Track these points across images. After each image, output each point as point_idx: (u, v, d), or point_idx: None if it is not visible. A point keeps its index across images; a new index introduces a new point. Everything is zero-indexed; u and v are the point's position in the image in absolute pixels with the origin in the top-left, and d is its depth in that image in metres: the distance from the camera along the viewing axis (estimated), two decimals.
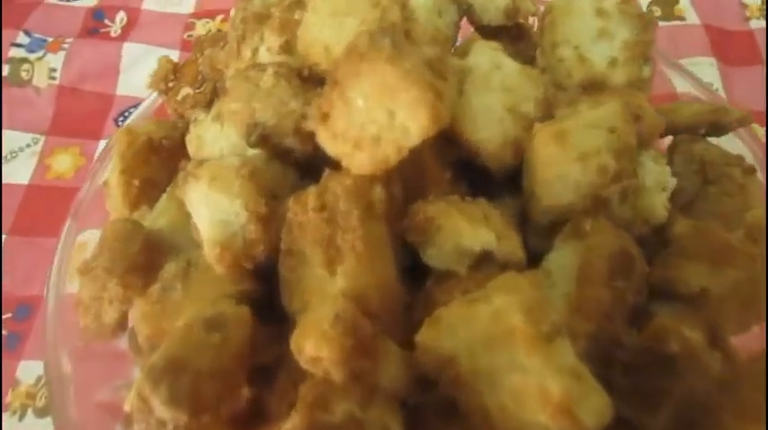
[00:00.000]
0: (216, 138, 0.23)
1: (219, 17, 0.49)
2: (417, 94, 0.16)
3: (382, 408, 0.19)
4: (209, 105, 0.26)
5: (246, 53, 0.22)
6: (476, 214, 0.18)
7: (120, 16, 0.49)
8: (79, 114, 0.46)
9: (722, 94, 0.44)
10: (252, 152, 0.22)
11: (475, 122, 0.19)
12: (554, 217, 0.20)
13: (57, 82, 0.46)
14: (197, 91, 0.26)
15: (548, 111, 0.19)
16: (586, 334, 0.18)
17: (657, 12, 0.52)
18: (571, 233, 0.19)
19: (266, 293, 0.21)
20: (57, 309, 0.30)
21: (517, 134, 0.19)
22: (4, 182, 0.44)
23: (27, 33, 0.48)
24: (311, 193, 0.19)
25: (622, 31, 0.24)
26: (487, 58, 0.20)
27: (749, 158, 0.30)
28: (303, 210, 0.19)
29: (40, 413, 0.36)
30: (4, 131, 0.45)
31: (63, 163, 0.44)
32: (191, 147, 0.24)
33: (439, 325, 0.18)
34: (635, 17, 0.24)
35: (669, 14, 0.50)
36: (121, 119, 0.45)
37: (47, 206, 0.42)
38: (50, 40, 0.48)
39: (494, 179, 0.21)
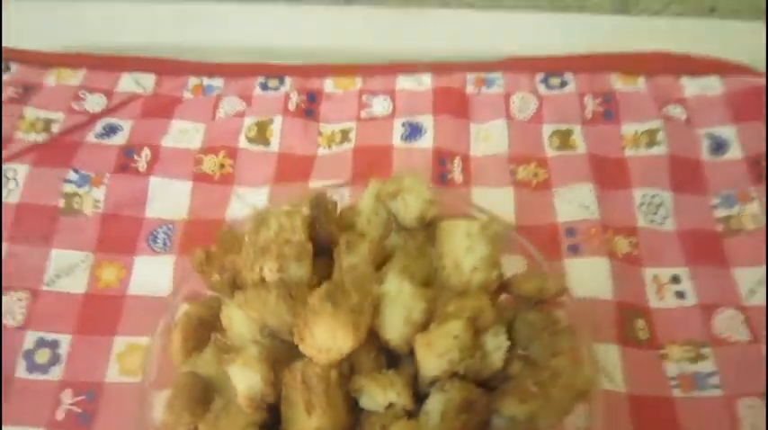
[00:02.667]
0: (239, 320, 0.38)
1: (222, 153, 0.62)
2: (344, 330, 0.31)
3: None
4: (230, 288, 0.40)
5: (256, 268, 0.36)
6: (386, 381, 0.33)
7: (145, 152, 0.62)
8: (118, 235, 0.57)
9: (597, 215, 0.55)
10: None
11: (385, 327, 0.32)
12: (431, 380, 0.33)
13: (100, 210, 0.58)
14: (223, 277, 0.40)
15: (429, 315, 0.34)
16: None
17: (556, 142, 0.62)
18: (438, 388, 0.32)
19: (273, 420, 0.33)
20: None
21: (409, 335, 0.33)
22: (67, 290, 0.54)
23: (75, 171, 0.60)
24: (298, 371, 0.34)
25: (481, 248, 0.37)
26: (395, 285, 0.34)
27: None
28: (293, 380, 0.33)
29: None
30: (64, 251, 0.56)
31: (109, 274, 0.55)
32: (224, 321, 0.38)
33: None
34: (490, 238, 0.39)
35: (565, 144, 0.62)
36: (151, 238, 0.57)
37: (100, 309, 0.53)
38: (93, 175, 0.60)
39: (400, 355, 0.35)
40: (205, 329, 0.39)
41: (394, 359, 0.36)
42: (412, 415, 0.34)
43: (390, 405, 0.33)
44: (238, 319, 0.37)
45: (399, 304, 0.34)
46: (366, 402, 0.32)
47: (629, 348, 0.50)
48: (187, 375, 0.36)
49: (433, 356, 0.33)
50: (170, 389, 0.37)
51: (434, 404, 0.33)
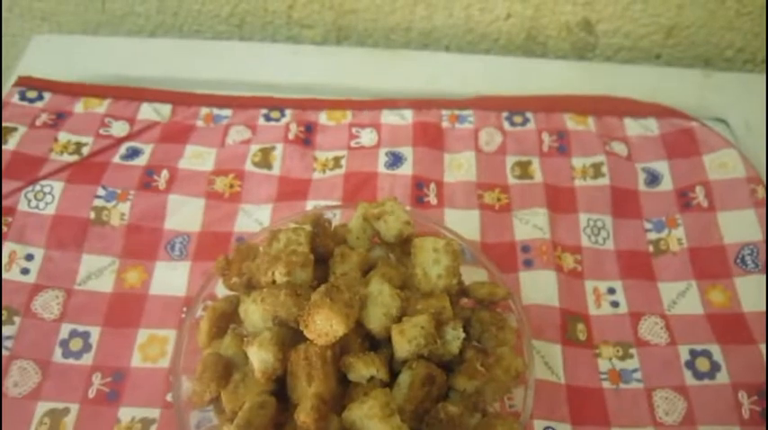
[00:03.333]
0: (255, 312, 0.47)
1: (231, 175, 0.70)
2: (339, 319, 0.41)
3: None
4: (247, 288, 0.50)
5: (269, 273, 0.46)
6: (368, 360, 0.43)
7: (164, 173, 0.70)
8: (141, 244, 0.64)
9: (548, 235, 0.62)
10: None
11: (369, 319, 0.41)
12: (402, 359, 0.42)
13: (126, 222, 0.66)
14: (240, 279, 0.50)
15: (403, 311, 0.45)
16: (410, 411, 0.38)
17: (517, 171, 0.70)
18: (408, 366, 0.39)
19: (282, 388, 0.41)
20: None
21: (387, 325, 0.43)
22: (96, 290, 0.61)
23: (104, 188, 0.68)
24: (302, 351, 0.43)
25: (445, 259, 0.46)
26: (377, 287, 0.44)
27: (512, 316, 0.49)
28: (298, 358, 0.40)
29: None
30: (93, 256, 0.64)
31: (133, 277, 0.62)
32: (241, 314, 0.48)
33: (350, 411, 0.37)
34: (451, 252, 0.48)
35: (524, 174, 0.69)
36: (169, 246, 0.65)
37: (125, 306, 0.60)
38: (119, 192, 0.68)
39: (380, 340, 0.43)
40: (225, 320, 0.49)
41: (375, 344, 0.45)
42: (387, 386, 0.41)
43: (371, 378, 0.40)
44: (253, 312, 0.47)
45: (380, 302, 0.44)
46: (353, 376, 0.40)
47: (570, 347, 0.56)
48: (212, 355, 0.46)
49: (405, 342, 0.43)
50: (198, 367, 0.47)
51: (404, 378, 0.39)
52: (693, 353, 0.58)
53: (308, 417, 0.37)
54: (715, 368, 0.57)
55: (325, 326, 0.40)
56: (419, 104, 0.77)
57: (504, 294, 0.49)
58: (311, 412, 0.38)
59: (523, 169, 0.69)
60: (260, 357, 0.42)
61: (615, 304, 0.63)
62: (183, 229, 0.66)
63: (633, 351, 0.59)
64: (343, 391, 0.40)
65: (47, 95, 0.76)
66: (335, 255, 0.47)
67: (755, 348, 0.58)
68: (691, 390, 0.56)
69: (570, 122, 0.76)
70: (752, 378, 0.56)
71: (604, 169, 0.71)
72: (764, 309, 0.60)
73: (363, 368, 0.42)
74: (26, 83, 0.77)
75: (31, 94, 0.76)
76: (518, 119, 0.76)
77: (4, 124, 0.72)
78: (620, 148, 0.73)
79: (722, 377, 0.57)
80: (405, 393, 0.42)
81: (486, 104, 0.77)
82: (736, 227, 0.65)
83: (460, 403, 0.40)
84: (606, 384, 0.58)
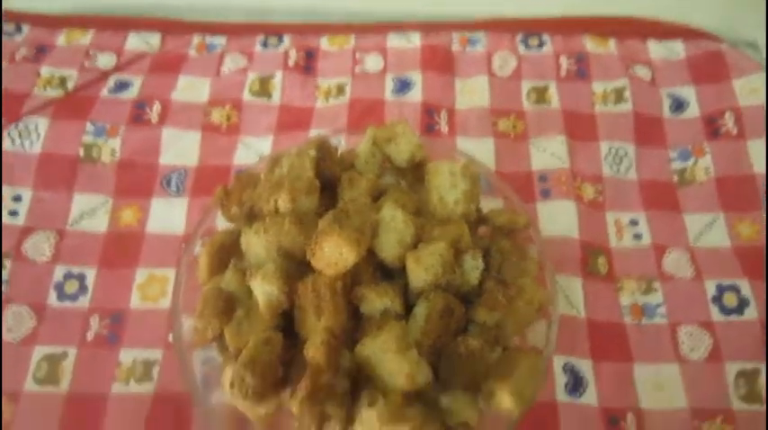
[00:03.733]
0: (257, 244, 0.44)
1: (228, 106, 0.67)
2: (349, 246, 0.37)
3: (342, 377, 0.36)
4: (248, 219, 0.46)
5: (271, 201, 0.43)
6: (382, 291, 0.40)
7: (156, 106, 0.66)
8: (135, 181, 0.62)
9: (567, 164, 0.60)
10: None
11: (381, 247, 0.38)
12: (418, 290, 0.39)
13: (117, 158, 0.63)
14: (241, 209, 0.47)
15: (418, 238, 0.41)
16: (427, 346, 0.36)
17: (533, 97, 0.67)
18: (424, 297, 0.37)
19: (288, 323, 0.39)
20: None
21: (401, 254, 0.40)
22: (89, 231, 0.59)
23: (92, 123, 0.64)
24: (310, 283, 0.39)
25: (463, 184, 0.43)
26: (389, 212, 0.41)
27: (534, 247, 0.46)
28: (306, 290, 0.38)
29: (139, 380, 0.49)
30: (85, 195, 0.61)
31: (128, 215, 0.60)
32: (243, 246, 0.45)
33: (363, 345, 0.36)
34: (470, 176, 0.45)
35: (541, 99, 0.65)
36: (165, 182, 0.62)
37: (121, 246, 0.58)
38: (108, 126, 0.64)
39: (393, 270, 0.41)
40: (225, 254, 0.45)
41: (388, 274, 0.42)
42: (402, 319, 0.39)
43: (385, 311, 0.40)
44: (255, 244, 0.43)
45: (393, 229, 0.41)
46: (365, 308, 0.38)
47: (590, 281, 0.57)
48: (213, 290, 0.43)
49: (421, 270, 0.39)
50: (198, 303, 0.44)
51: (420, 309, 0.39)
52: (720, 288, 0.56)
53: (318, 353, 0.35)
54: (743, 303, 0.55)
55: (334, 254, 0.37)
56: (427, 27, 0.73)
57: (525, 222, 0.45)
58: (321, 347, 0.35)
59: (540, 95, 0.67)
60: (264, 290, 0.39)
61: (638, 236, 0.60)
62: (179, 164, 0.64)
63: (657, 285, 0.57)
64: (354, 326, 0.39)
65: (25, 28, 0.72)
66: (343, 180, 0.43)
67: None
68: (717, 326, 0.54)
69: (590, 45, 0.72)
70: None
71: (627, 94, 0.67)
72: None
73: (377, 299, 0.39)
74: (2, 15, 0.73)
75: (9, 27, 0.72)
76: (534, 41, 0.73)
77: None
78: (643, 72, 0.70)
79: (750, 313, 0.54)
80: (421, 326, 0.39)
81: (499, 26, 0.73)
82: None
83: (480, 337, 0.37)
84: (628, 319, 0.55)
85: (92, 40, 0.72)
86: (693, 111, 0.65)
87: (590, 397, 0.49)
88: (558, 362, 0.52)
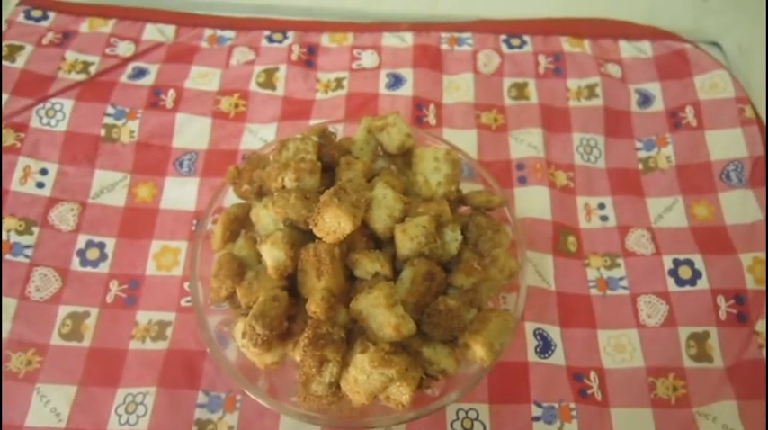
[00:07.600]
0: (266, 216, 0.50)
1: (236, 95, 0.71)
2: (346, 217, 0.44)
3: (338, 328, 0.42)
4: (258, 195, 0.53)
5: (279, 179, 0.49)
6: (373, 257, 0.46)
7: (171, 93, 0.71)
8: (151, 160, 0.67)
9: (543, 153, 0.65)
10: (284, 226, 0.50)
11: (374, 220, 0.44)
12: (405, 258, 0.45)
13: (135, 139, 0.68)
14: (251, 186, 0.53)
15: (405, 213, 0.48)
16: (412, 304, 0.42)
17: (513, 92, 0.71)
18: (409, 263, 0.43)
19: (292, 285, 0.46)
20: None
21: (390, 226, 0.46)
22: (109, 204, 0.64)
23: (113, 106, 0.70)
24: (311, 249, 0.46)
25: (445, 167, 0.49)
26: (381, 191, 0.47)
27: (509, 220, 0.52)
28: (308, 255, 0.45)
29: (154, 339, 0.54)
30: (105, 171, 0.66)
31: (144, 192, 0.65)
32: (253, 218, 0.51)
33: (357, 301, 0.41)
34: (451, 161, 0.51)
35: (521, 95, 0.70)
36: (178, 163, 0.67)
37: (138, 219, 0.61)
38: (128, 110, 0.70)
39: (383, 240, 0.47)
40: (238, 224, 0.52)
41: (379, 243, 0.49)
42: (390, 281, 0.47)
43: (376, 274, 0.47)
44: (264, 216, 0.50)
45: (384, 205, 0.47)
46: (359, 271, 0.44)
47: (561, 257, 0.61)
48: (227, 255, 0.49)
49: (407, 240, 0.46)
50: (213, 266, 0.50)
51: (407, 273, 0.46)
52: (677, 262, 0.62)
53: (319, 307, 0.41)
54: (696, 275, 0.61)
55: (333, 223, 0.43)
56: (419, 27, 0.78)
57: (500, 201, 0.52)
58: (321, 303, 0.41)
59: (520, 90, 0.71)
60: (272, 255, 0.46)
61: (604, 218, 0.66)
62: (191, 147, 0.69)
63: (620, 261, 0.63)
64: (349, 287, 0.44)
65: (51, 15, 0.77)
66: (341, 163, 0.50)
67: (735, 257, 0.62)
68: (672, 296, 0.60)
69: (566, 45, 0.77)
70: (730, 284, 0.60)
71: (598, 90, 0.72)
72: (745, 221, 0.63)
73: (369, 264, 0.45)
74: (30, 2, 0.78)
75: (36, 13, 0.77)
76: (515, 41, 0.78)
77: (11, 42, 0.74)
78: (614, 70, 0.75)
79: (702, 283, 0.60)
80: (407, 287, 0.45)
81: (484, 27, 0.78)
82: (723, 144, 0.67)
83: (458, 298, 0.44)
84: (594, 291, 0.62)
85: (112, 29, 0.76)
86: (658, 105, 0.69)
87: (558, 357, 0.54)
88: (530, 328, 0.58)
